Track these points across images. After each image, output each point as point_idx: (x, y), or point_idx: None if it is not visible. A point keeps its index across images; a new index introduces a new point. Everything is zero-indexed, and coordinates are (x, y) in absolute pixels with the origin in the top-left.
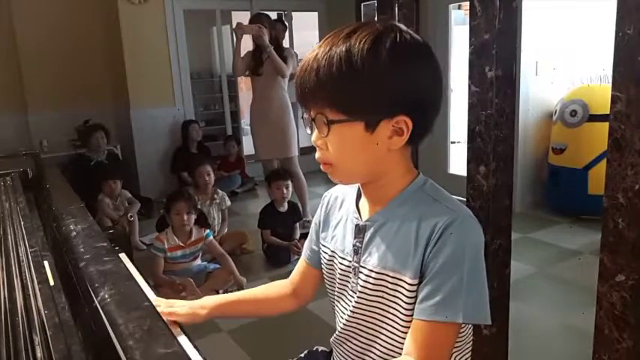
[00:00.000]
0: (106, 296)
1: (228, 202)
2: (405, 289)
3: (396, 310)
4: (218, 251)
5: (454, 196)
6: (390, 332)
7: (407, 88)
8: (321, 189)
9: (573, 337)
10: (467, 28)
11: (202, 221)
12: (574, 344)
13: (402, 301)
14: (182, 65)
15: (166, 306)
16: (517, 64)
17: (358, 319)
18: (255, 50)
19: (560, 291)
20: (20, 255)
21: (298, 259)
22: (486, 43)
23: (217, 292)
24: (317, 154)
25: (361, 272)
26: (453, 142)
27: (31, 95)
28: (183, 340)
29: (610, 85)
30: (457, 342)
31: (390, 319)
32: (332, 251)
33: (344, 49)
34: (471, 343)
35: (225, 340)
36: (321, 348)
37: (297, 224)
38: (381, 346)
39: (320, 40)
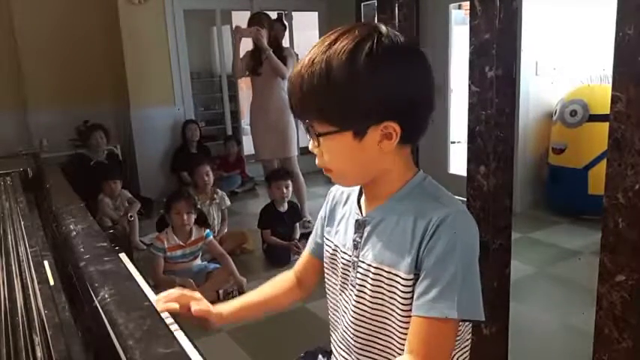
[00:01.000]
0: (106, 296)
1: (228, 202)
2: (400, 284)
3: (394, 305)
4: (218, 251)
5: (454, 196)
6: (389, 328)
7: (388, 94)
8: (321, 189)
9: (573, 337)
10: (467, 28)
11: (202, 221)
12: (574, 344)
13: (399, 296)
14: (182, 65)
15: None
16: (517, 64)
17: (360, 315)
18: (254, 50)
19: (560, 291)
20: (20, 255)
21: (298, 259)
22: (486, 43)
23: (217, 292)
24: (317, 161)
25: (360, 267)
26: (453, 142)
27: (31, 95)
28: (183, 340)
29: (610, 85)
30: (455, 340)
31: (388, 314)
32: (335, 245)
33: (324, 64)
34: (469, 341)
35: (225, 340)
36: (321, 348)
37: (297, 224)
38: (381, 344)
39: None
